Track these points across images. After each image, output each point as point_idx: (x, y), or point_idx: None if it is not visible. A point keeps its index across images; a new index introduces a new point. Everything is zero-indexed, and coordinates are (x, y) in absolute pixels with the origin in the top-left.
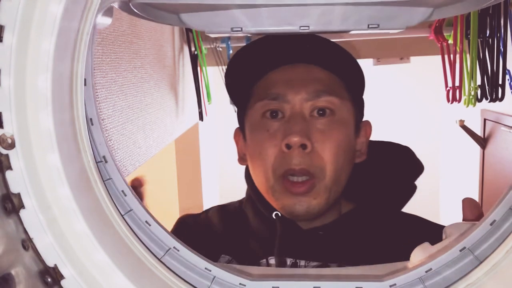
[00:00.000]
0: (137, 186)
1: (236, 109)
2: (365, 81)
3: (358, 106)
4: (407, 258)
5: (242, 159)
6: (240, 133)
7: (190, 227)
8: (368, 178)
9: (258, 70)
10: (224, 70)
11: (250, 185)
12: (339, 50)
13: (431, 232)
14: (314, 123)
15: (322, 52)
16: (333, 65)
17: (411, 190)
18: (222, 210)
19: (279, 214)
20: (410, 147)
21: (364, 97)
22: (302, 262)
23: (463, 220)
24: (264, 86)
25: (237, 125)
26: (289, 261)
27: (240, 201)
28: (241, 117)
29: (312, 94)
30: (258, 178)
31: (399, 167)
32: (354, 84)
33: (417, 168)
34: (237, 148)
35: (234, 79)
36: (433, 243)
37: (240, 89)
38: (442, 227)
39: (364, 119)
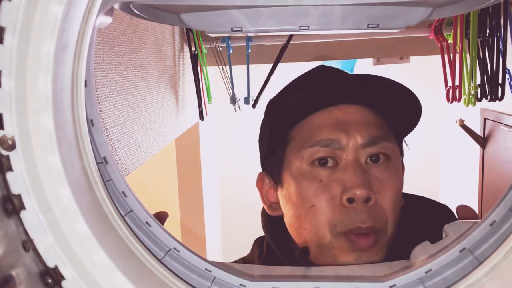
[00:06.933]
0: (162, 217)
1: (262, 151)
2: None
3: (401, 147)
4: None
5: (271, 208)
6: (268, 179)
7: None
8: (403, 235)
9: (300, 111)
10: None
11: (275, 240)
12: (396, 90)
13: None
14: (371, 171)
15: (375, 93)
16: (387, 108)
17: None
18: None
19: None
20: (448, 206)
21: None
22: None
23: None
24: (308, 129)
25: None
26: None
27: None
28: (276, 162)
29: (368, 140)
30: (306, 233)
31: (435, 227)
32: (406, 127)
33: None
34: (261, 195)
35: (272, 124)
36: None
37: (278, 134)
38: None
39: None
